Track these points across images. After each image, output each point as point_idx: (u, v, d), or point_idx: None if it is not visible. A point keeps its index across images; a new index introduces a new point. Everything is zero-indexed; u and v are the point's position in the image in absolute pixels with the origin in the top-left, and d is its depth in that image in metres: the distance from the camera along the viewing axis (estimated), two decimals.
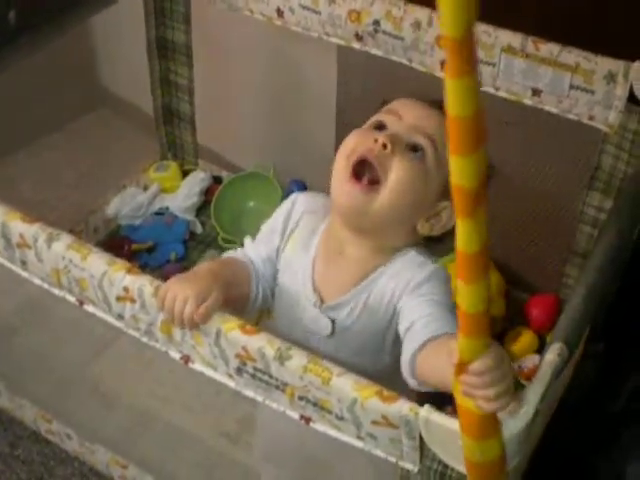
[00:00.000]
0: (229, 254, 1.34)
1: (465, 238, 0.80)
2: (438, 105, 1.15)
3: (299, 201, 1.33)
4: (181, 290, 1.15)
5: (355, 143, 1.21)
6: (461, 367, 0.90)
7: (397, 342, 1.20)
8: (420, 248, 1.24)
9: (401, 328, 1.17)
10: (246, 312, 1.30)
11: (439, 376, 1.00)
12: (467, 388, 0.90)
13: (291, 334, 1.26)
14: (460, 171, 0.77)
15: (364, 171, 1.19)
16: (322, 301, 1.26)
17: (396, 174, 1.17)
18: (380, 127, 1.23)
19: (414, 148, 1.19)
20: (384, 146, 1.18)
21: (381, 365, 1.25)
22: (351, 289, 1.24)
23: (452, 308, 1.11)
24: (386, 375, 1.19)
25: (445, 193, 1.14)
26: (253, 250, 1.32)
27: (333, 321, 1.25)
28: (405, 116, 1.23)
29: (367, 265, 1.24)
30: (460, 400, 0.93)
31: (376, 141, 1.18)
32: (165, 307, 1.16)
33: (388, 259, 1.23)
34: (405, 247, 1.24)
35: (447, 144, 0.76)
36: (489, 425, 0.93)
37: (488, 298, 0.85)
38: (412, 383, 1.12)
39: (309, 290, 1.27)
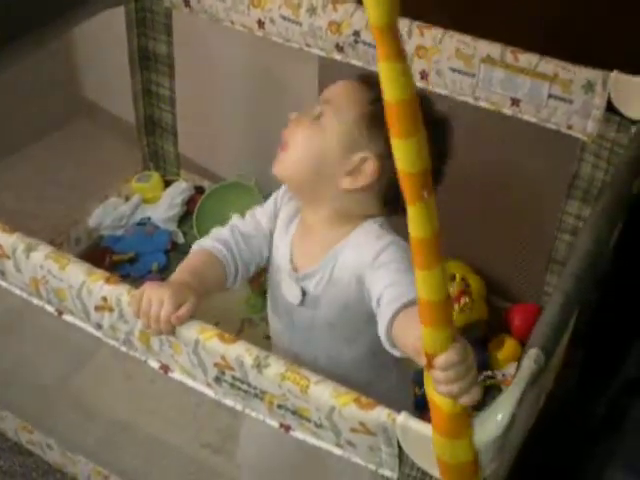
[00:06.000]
0: (200, 244, 1.40)
1: (416, 223, 0.81)
2: (363, 79, 1.31)
3: (283, 189, 1.42)
4: (156, 293, 1.15)
5: None
6: (429, 361, 0.90)
7: (372, 322, 1.21)
8: (382, 221, 1.30)
9: (372, 305, 1.21)
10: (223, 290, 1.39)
11: (411, 352, 1.02)
12: (434, 383, 0.92)
13: (277, 307, 1.39)
14: (403, 156, 0.78)
15: None
16: (296, 271, 1.34)
17: (296, 136, 1.30)
18: None
19: (317, 117, 1.30)
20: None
21: (362, 345, 1.32)
22: (319, 261, 1.30)
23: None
24: (369, 360, 1.31)
25: (357, 146, 1.24)
26: (244, 226, 1.39)
27: (303, 290, 1.32)
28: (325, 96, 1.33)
29: (332, 238, 1.30)
30: (431, 394, 0.93)
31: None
32: (141, 310, 1.16)
33: (350, 231, 1.29)
34: (365, 221, 1.30)
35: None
36: (458, 423, 0.94)
37: (448, 288, 0.85)
38: (396, 353, 1.14)
39: (287, 262, 1.35)
